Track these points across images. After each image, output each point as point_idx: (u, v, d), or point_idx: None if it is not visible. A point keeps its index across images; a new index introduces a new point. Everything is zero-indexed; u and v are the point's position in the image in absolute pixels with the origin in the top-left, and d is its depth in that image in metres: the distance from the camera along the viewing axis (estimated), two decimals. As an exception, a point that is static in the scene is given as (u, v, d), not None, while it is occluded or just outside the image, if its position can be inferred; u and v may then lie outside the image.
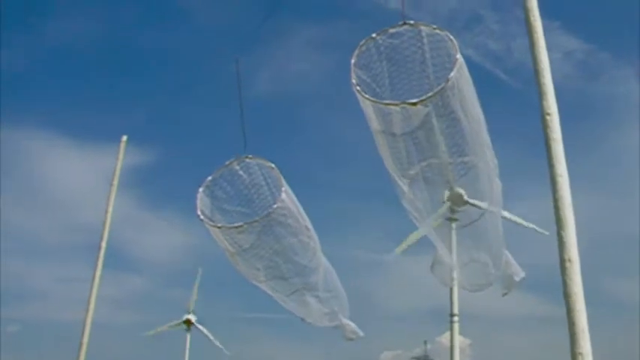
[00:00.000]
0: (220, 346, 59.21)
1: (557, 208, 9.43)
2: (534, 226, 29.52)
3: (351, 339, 26.55)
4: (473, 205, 25.69)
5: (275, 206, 18.29)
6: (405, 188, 21.29)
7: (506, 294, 31.04)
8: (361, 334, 26.77)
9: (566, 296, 8.93)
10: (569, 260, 9.13)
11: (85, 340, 15.27)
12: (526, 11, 10.89)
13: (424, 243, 26.29)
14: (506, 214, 25.69)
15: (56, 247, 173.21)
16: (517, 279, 30.00)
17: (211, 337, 59.06)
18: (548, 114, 10.20)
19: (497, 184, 22.54)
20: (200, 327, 59.10)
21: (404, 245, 28.50)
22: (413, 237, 27.56)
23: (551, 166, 9.74)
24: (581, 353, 8.65)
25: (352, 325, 25.96)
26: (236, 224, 18.33)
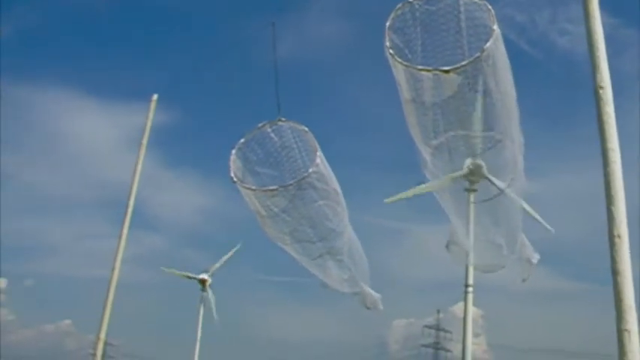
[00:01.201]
0: (215, 315, 59.40)
1: (607, 183, 9.21)
2: (543, 222, 28.99)
3: (369, 308, 26.53)
4: (491, 182, 25.37)
5: (310, 170, 18.07)
6: (428, 158, 21.09)
7: (525, 280, 30.88)
8: (381, 307, 26.76)
9: (614, 273, 8.74)
10: (619, 236, 8.94)
11: (111, 297, 15.23)
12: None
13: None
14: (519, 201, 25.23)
15: (75, 204, 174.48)
16: (534, 261, 29.77)
17: (212, 302, 59.27)
18: (602, 87, 9.91)
19: (521, 163, 22.24)
20: (209, 291, 59.31)
21: (396, 198, 27.93)
22: (411, 192, 26.93)
23: (603, 139, 9.49)
24: (627, 330, 8.50)
25: (374, 295, 25.94)
26: (270, 187, 18.17)
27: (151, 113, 16.34)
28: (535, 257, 29.93)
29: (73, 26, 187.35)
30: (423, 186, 25.52)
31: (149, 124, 16.49)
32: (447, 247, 28.90)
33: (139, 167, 16.16)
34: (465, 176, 26.07)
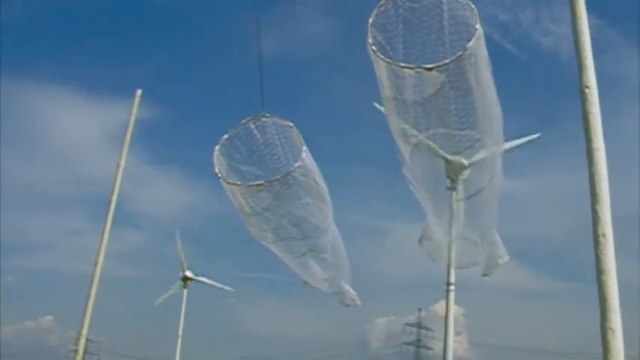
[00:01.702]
0: (226, 287, 60.02)
1: (592, 182, 9.34)
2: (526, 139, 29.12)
3: (348, 306, 26.59)
4: (473, 164, 25.41)
5: (296, 165, 18.04)
6: (407, 155, 21.17)
7: (486, 275, 30.91)
8: (359, 303, 26.81)
9: (599, 272, 8.87)
10: (604, 235, 9.07)
11: (93, 293, 15.13)
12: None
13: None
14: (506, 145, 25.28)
15: (58, 199, 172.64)
16: (501, 262, 29.78)
17: (215, 284, 59.73)
18: (587, 87, 10.05)
19: (499, 161, 22.46)
20: (200, 278, 59.59)
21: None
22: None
23: (588, 139, 9.63)
24: (612, 329, 8.64)
25: (352, 292, 25.99)
26: (257, 182, 18.13)
27: (134, 109, 16.23)
28: (504, 258, 29.94)
29: (59, 21, 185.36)
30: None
31: (132, 119, 16.38)
32: (419, 242, 28.98)
33: (123, 162, 16.08)
34: (447, 173, 26.22)
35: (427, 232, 28.40)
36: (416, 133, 20.20)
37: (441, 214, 26.34)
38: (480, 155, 23.48)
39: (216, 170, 17.90)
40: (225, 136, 18.61)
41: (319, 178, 19.23)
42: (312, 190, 19.11)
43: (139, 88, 17.16)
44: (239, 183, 18.01)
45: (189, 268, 60.29)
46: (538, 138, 32.18)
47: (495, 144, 21.29)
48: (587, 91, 9.99)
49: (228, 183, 17.97)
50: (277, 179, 18.10)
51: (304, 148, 18.18)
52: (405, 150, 21.09)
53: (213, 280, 61.23)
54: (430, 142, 21.69)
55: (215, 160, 18.03)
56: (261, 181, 18.07)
